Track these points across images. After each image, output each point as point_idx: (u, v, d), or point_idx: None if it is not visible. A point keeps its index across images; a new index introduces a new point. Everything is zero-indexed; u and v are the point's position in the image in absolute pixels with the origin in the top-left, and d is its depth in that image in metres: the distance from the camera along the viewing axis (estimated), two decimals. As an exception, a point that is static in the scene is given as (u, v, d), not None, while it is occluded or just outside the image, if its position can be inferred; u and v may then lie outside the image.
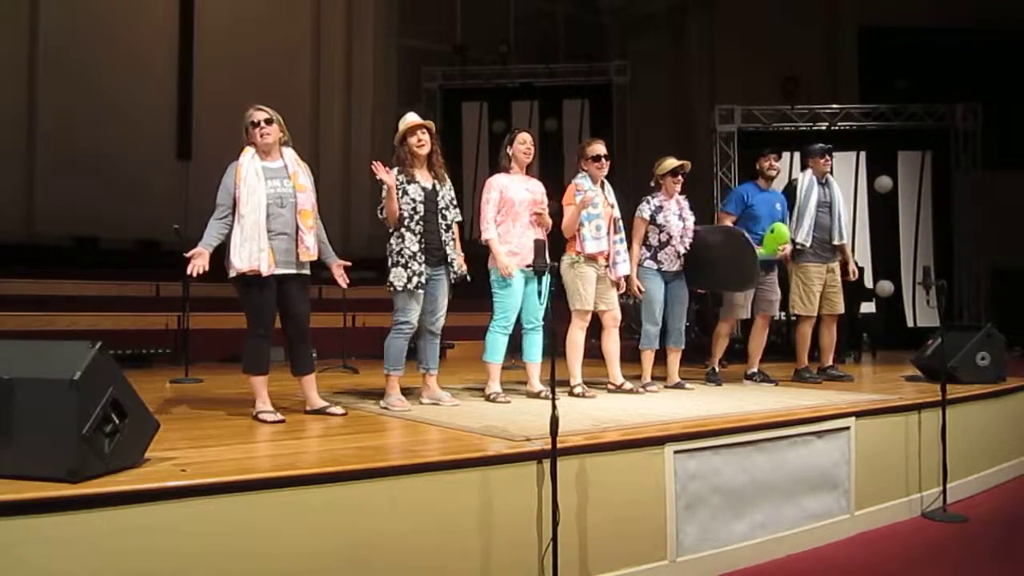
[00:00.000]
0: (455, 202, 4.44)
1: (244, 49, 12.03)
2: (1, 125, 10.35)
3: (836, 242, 5.87)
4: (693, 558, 3.43)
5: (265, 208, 3.75)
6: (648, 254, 5.27)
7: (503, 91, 12.72)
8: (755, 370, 5.86)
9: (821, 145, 6.00)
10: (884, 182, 10.52)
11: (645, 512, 3.32)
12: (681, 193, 5.41)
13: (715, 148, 11.05)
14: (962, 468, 4.65)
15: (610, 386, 5.13)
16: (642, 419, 3.84)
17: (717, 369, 5.82)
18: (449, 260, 4.34)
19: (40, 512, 2.22)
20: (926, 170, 11.04)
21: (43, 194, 10.57)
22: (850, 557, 3.78)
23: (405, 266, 4.16)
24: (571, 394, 4.79)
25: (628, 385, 5.10)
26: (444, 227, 4.33)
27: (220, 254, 3.82)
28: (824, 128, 10.86)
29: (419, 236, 4.21)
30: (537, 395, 4.76)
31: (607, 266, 4.98)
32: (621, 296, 5.16)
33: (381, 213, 4.25)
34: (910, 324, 10.71)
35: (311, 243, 3.85)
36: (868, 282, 9.84)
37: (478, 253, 4.82)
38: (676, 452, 3.43)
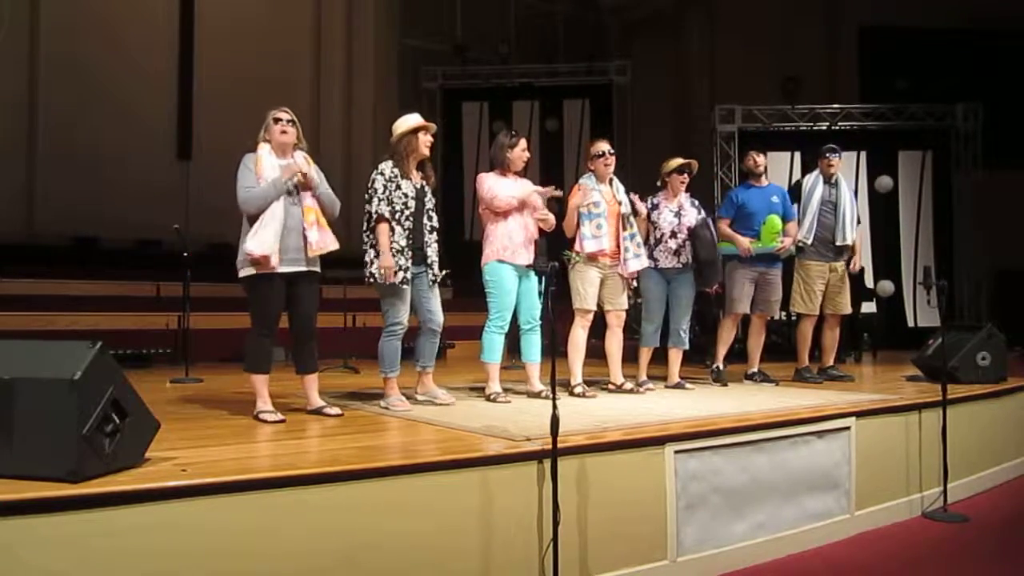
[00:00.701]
0: (435, 206, 4.48)
1: (244, 49, 12.01)
2: (1, 125, 10.34)
3: (839, 243, 5.86)
4: (693, 558, 3.43)
5: (281, 200, 3.79)
6: (645, 252, 5.26)
7: (503, 91, 12.71)
8: (755, 370, 5.86)
9: (828, 146, 6.01)
10: (884, 182, 10.51)
11: (645, 512, 3.32)
12: (686, 192, 5.42)
13: (715, 148, 11.04)
14: (962, 468, 4.65)
15: (610, 386, 5.13)
16: (642, 419, 3.84)
17: (722, 367, 5.82)
18: (429, 261, 4.37)
19: (40, 512, 2.22)
20: (926, 170, 11.04)
21: (43, 194, 10.54)
22: (850, 557, 3.78)
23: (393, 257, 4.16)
24: (571, 394, 4.79)
25: (628, 385, 5.10)
26: (428, 228, 4.37)
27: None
28: (824, 128, 10.86)
29: (407, 232, 4.24)
30: (537, 395, 4.75)
31: (615, 264, 4.98)
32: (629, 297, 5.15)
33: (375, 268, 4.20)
34: (910, 324, 10.71)
35: (314, 237, 3.86)
36: (868, 282, 9.84)
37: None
38: (676, 452, 3.43)
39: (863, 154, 10.93)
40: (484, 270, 4.68)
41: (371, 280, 4.21)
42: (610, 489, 3.22)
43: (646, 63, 13.67)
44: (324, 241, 3.89)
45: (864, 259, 10.34)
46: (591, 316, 4.97)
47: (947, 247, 10.87)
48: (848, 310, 5.97)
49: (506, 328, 4.69)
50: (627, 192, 5.09)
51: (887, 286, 10.03)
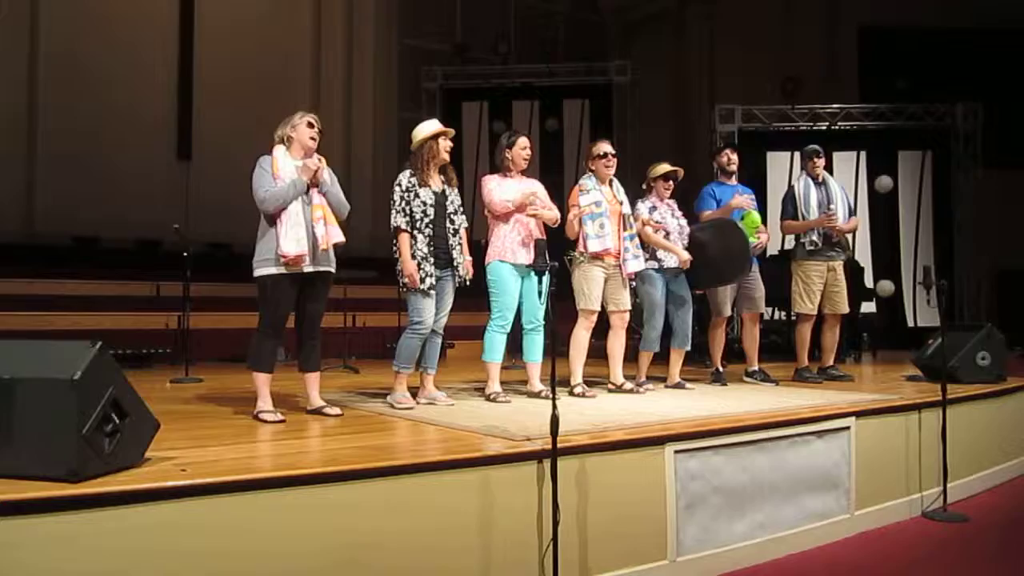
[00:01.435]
0: (462, 208, 4.51)
1: (244, 49, 12.02)
2: (1, 125, 10.34)
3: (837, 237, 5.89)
4: (693, 558, 3.43)
5: (298, 200, 3.83)
6: (648, 254, 5.27)
7: (503, 91, 12.69)
8: (755, 368, 5.86)
9: (811, 147, 6.03)
10: (884, 182, 10.51)
11: (645, 512, 3.32)
12: (671, 197, 5.47)
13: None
14: (962, 468, 4.65)
15: (610, 386, 5.13)
16: (642, 419, 3.84)
17: (721, 369, 5.83)
18: (455, 264, 4.40)
19: (40, 512, 2.22)
20: (926, 170, 11.03)
21: (43, 194, 10.55)
22: (850, 557, 3.78)
23: (419, 267, 4.22)
24: (571, 394, 4.79)
25: (628, 385, 5.10)
26: (452, 231, 4.40)
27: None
28: (824, 128, 10.86)
29: (428, 239, 4.27)
30: (537, 395, 4.76)
31: (617, 264, 4.99)
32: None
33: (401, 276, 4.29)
34: (910, 324, 10.71)
35: (321, 232, 3.88)
36: (868, 282, 9.84)
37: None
38: (677, 452, 3.43)
39: (863, 154, 10.92)
40: (486, 270, 4.70)
41: (403, 288, 4.29)
42: (610, 489, 3.22)
43: (646, 63, 13.67)
44: (331, 234, 3.92)
45: (864, 259, 10.40)
46: (595, 317, 4.97)
47: (947, 247, 10.86)
48: (846, 309, 5.97)
49: (508, 328, 4.69)
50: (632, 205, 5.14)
51: (887, 286, 10.03)
